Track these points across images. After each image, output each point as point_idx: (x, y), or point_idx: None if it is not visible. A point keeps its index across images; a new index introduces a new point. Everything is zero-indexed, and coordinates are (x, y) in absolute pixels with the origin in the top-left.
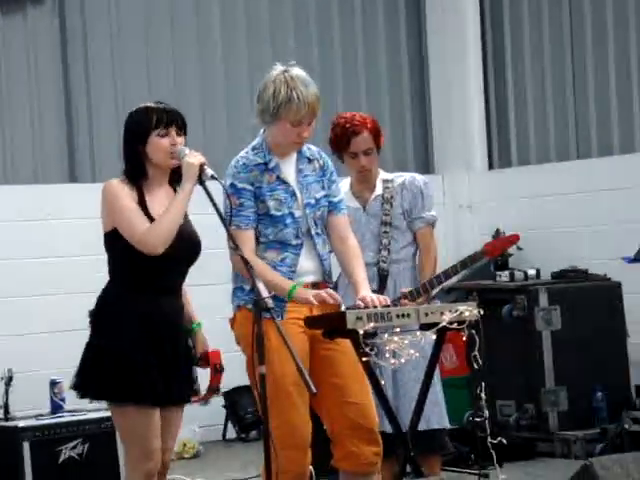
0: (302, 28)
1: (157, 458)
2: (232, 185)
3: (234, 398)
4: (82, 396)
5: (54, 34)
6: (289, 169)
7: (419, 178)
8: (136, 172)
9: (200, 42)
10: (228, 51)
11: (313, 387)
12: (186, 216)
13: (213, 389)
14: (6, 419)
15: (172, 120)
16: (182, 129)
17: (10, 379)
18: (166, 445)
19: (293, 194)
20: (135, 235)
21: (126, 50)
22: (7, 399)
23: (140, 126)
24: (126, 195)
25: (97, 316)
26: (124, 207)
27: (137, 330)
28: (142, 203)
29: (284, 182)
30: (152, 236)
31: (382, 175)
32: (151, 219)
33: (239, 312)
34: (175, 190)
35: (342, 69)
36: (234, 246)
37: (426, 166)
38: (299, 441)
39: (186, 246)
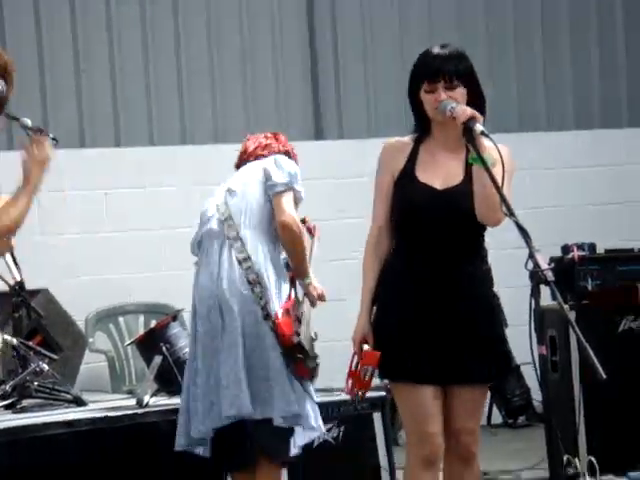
0: None
1: (435, 443)
2: None
3: (500, 379)
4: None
5: None
6: None
7: None
8: (418, 126)
9: None
10: None
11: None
12: (469, 177)
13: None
14: None
15: (439, 72)
16: (454, 80)
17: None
18: (459, 425)
19: None
20: (371, 225)
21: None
22: None
23: (412, 79)
24: (386, 166)
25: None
26: (377, 182)
27: (397, 300)
28: (411, 166)
29: None
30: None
31: None
32: (416, 183)
33: None
34: (468, 153)
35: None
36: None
37: (618, 120)
38: None
39: (445, 207)
